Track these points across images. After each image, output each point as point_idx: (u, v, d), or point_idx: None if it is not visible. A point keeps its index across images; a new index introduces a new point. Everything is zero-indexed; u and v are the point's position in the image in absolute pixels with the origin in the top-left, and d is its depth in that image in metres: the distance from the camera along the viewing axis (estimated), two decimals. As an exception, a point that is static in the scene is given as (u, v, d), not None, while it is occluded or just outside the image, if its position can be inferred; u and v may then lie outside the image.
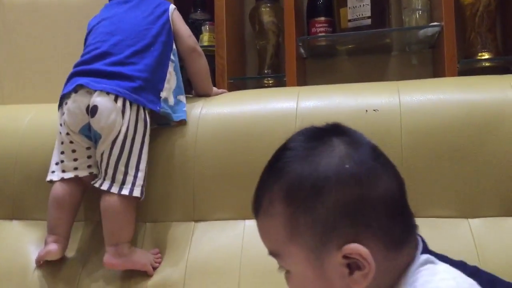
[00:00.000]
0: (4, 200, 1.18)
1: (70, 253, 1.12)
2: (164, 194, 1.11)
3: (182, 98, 1.18)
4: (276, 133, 1.09)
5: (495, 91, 1.04)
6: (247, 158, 1.08)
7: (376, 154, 0.57)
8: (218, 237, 1.06)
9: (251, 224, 1.04)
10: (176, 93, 1.16)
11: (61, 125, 1.09)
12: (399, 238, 0.54)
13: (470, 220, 0.98)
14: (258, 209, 0.58)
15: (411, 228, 0.56)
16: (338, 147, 0.55)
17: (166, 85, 1.13)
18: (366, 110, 1.05)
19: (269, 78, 1.55)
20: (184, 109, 1.16)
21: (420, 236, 0.58)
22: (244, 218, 1.06)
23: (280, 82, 1.51)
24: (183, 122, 1.15)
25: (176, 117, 1.14)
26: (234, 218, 1.07)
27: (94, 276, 1.08)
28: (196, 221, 1.09)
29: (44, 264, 1.10)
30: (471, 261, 0.92)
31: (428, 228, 0.98)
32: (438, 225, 0.99)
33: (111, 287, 1.06)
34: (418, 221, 0.98)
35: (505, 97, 1.02)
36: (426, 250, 0.56)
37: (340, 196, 0.52)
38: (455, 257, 0.93)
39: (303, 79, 1.54)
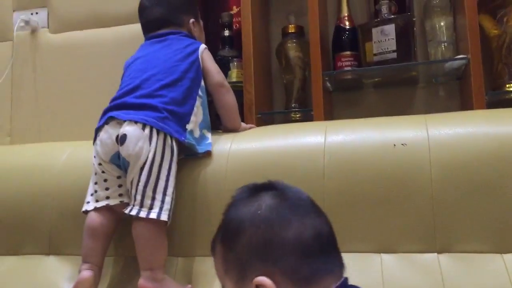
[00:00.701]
0: (41, 236, 1.21)
1: (103, 285, 1.14)
2: (191, 228, 1.13)
3: (207, 132, 1.22)
4: (305, 168, 1.10)
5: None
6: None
7: (296, 204, 0.66)
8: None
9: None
10: (201, 127, 1.20)
11: (94, 156, 1.14)
12: (307, 277, 0.60)
13: (504, 255, 0.97)
14: (211, 250, 0.71)
15: (324, 269, 0.62)
16: (263, 198, 0.65)
17: (192, 118, 1.17)
18: (394, 145, 1.06)
19: (296, 112, 1.57)
20: (209, 141, 1.20)
21: (345, 278, 0.65)
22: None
23: (307, 116, 1.53)
24: (209, 154, 1.18)
25: (201, 149, 1.17)
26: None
27: None
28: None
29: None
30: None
31: (461, 264, 0.98)
32: (471, 260, 0.98)
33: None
34: (450, 256, 1.00)
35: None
36: None
37: (253, 238, 0.63)
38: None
39: (330, 112, 1.56)
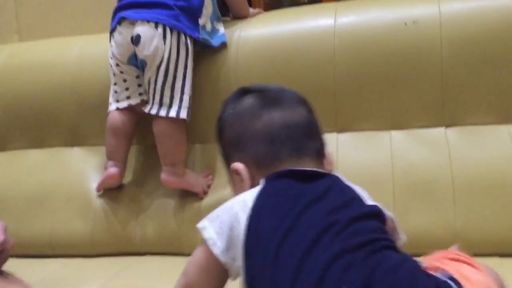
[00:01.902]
0: (63, 129, 1.26)
1: (128, 178, 1.21)
2: (210, 116, 1.16)
3: (218, 24, 1.21)
4: (316, 51, 1.11)
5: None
6: (287, 78, 1.12)
7: (270, 102, 0.70)
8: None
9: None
10: (212, 19, 1.19)
11: (111, 58, 1.15)
12: (269, 161, 0.67)
13: (510, 126, 1.01)
14: None
15: (286, 155, 0.67)
16: (243, 100, 0.72)
17: (204, 11, 1.15)
18: (405, 23, 1.06)
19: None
20: (222, 33, 1.19)
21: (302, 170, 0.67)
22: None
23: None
24: (224, 45, 1.18)
25: (215, 42, 1.17)
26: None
27: (153, 196, 1.18)
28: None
29: (104, 195, 1.19)
30: (509, 166, 0.97)
31: (468, 136, 1.03)
32: (477, 132, 1.02)
33: (168, 205, 1.15)
34: (457, 129, 1.04)
35: (549, 0, 1.00)
36: (286, 174, 0.66)
37: (230, 134, 0.72)
38: (495, 162, 0.98)
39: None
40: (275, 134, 0.68)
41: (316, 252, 0.55)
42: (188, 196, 1.15)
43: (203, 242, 0.60)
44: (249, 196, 0.62)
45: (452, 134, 1.03)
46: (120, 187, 1.20)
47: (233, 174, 0.68)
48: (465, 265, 0.60)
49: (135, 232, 1.15)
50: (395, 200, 1.01)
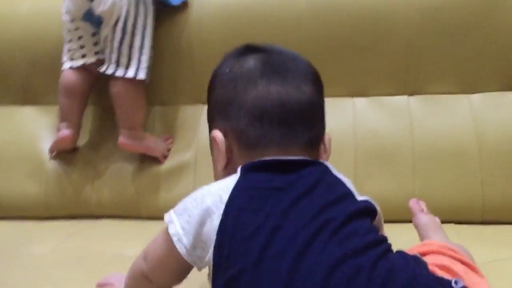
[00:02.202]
0: (13, 86, 1.20)
1: (83, 140, 1.17)
2: (171, 77, 1.14)
3: None
4: (282, 13, 1.08)
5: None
6: (251, 40, 1.09)
7: (274, 70, 0.61)
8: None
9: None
10: None
11: (64, 13, 1.09)
12: (253, 141, 0.59)
13: (470, 95, 1.03)
14: None
15: (272, 139, 0.59)
16: (246, 59, 0.62)
17: None
18: (373, -12, 1.04)
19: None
20: None
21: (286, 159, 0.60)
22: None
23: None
24: (185, 5, 1.14)
25: (175, 1, 1.13)
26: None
27: (110, 159, 1.14)
28: (204, 103, 1.13)
29: (58, 157, 1.15)
30: (468, 135, 0.99)
31: (430, 105, 1.04)
32: (439, 101, 1.04)
33: (126, 170, 1.12)
34: (420, 98, 1.04)
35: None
36: (275, 163, 0.58)
37: (219, 95, 0.63)
38: (455, 131, 1.00)
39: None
40: (267, 111, 0.59)
41: (311, 256, 0.49)
42: (146, 160, 1.12)
43: (167, 233, 0.55)
44: (225, 189, 0.55)
45: (414, 102, 1.04)
46: (74, 150, 1.16)
47: (212, 141, 0.62)
48: (471, 272, 0.57)
49: (91, 196, 1.12)
50: (356, 167, 1.01)
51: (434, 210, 0.96)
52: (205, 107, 1.12)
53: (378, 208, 0.58)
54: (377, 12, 1.03)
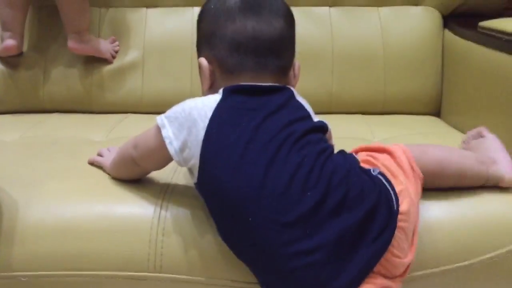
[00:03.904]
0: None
1: (29, 44, 1.20)
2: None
3: None
4: None
5: None
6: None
7: (251, 9, 0.71)
8: (171, 22, 1.21)
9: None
10: None
11: None
12: (231, 67, 0.71)
13: (380, 8, 1.22)
14: None
15: (247, 66, 0.71)
16: None
17: None
18: None
19: None
20: None
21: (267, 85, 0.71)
22: (193, 6, 1.21)
23: None
24: None
25: None
26: (185, 5, 1.21)
27: (58, 62, 1.20)
28: (148, 7, 1.23)
29: (4, 60, 1.18)
30: (376, 42, 1.19)
31: (347, 15, 1.21)
32: (355, 12, 1.22)
33: (75, 70, 1.20)
34: (341, 9, 1.21)
35: None
36: (251, 88, 0.70)
37: (205, 27, 0.75)
38: (367, 38, 1.18)
39: None
40: (242, 43, 0.70)
41: (278, 163, 0.63)
42: (95, 61, 1.20)
43: (159, 131, 0.67)
44: (209, 106, 0.67)
45: (334, 13, 1.22)
46: (20, 54, 1.20)
47: (200, 66, 0.73)
48: (391, 161, 0.71)
49: (43, 94, 1.19)
50: (286, 67, 1.18)
51: (345, 104, 1.19)
52: (149, 11, 1.24)
53: (329, 126, 0.72)
54: None
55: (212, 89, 0.72)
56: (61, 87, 1.19)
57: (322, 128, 0.71)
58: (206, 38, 0.73)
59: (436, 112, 1.20)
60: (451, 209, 0.73)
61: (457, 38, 1.15)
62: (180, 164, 0.68)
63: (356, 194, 0.63)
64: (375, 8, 1.21)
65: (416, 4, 1.22)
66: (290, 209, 0.61)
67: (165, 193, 0.75)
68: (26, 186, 0.76)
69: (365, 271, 0.61)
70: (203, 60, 0.72)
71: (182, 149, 0.66)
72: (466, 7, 1.21)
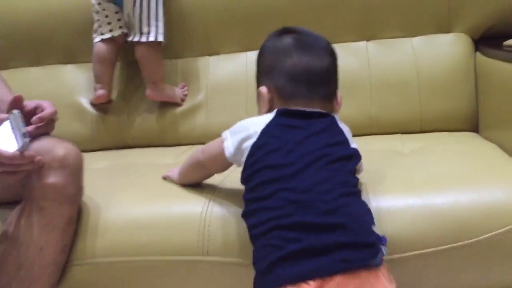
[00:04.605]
0: (57, 49, 1.49)
1: (115, 95, 1.46)
2: (181, 35, 1.44)
3: None
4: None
5: None
6: (245, 4, 1.39)
7: (304, 46, 0.88)
8: (229, 66, 1.42)
9: (252, 55, 1.38)
10: None
11: None
12: (288, 94, 0.86)
13: (412, 38, 1.35)
14: None
15: (302, 93, 0.85)
16: (283, 38, 0.90)
17: None
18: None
19: None
20: None
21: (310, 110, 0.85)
22: (246, 51, 1.41)
23: None
24: None
25: None
26: (241, 51, 1.43)
27: (139, 110, 1.44)
28: (210, 55, 1.45)
29: (96, 107, 1.44)
30: (410, 68, 1.30)
31: (383, 47, 1.35)
32: (390, 43, 1.36)
33: (153, 114, 1.43)
34: (376, 43, 1.35)
35: None
36: (299, 112, 0.84)
37: (264, 62, 0.91)
38: (401, 66, 1.30)
39: None
40: (298, 75, 0.85)
41: (308, 172, 0.76)
42: (168, 105, 1.43)
43: (222, 141, 0.86)
44: (262, 123, 0.83)
45: (371, 46, 1.36)
46: (109, 101, 1.45)
47: (259, 94, 0.88)
48: None
49: (127, 133, 1.43)
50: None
51: (384, 126, 1.30)
52: (211, 58, 1.45)
53: (361, 155, 0.84)
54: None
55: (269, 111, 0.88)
56: (141, 128, 1.43)
57: (355, 156, 0.84)
58: (267, 71, 0.90)
59: (474, 129, 1.28)
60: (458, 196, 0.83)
61: (487, 58, 1.24)
62: (235, 163, 0.86)
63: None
64: (408, 38, 1.34)
65: (447, 32, 1.33)
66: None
67: (212, 194, 0.93)
68: (107, 194, 0.97)
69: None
70: (264, 89, 0.88)
71: (235, 153, 0.84)
72: (494, 30, 1.31)
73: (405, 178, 0.91)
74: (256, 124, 0.84)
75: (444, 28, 1.33)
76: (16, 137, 0.81)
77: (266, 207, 0.76)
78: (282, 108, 0.85)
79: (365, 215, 0.76)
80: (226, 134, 0.87)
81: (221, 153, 0.86)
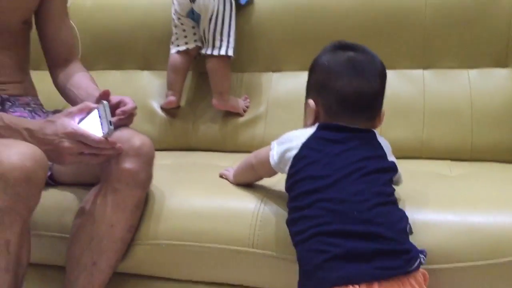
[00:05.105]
0: (137, 56, 1.65)
1: (184, 102, 1.59)
2: (249, 52, 1.56)
3: None
4: (331, 6, 1.47)
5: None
6: (310, 27, 1.49)
7: (358, 67, 0.90)
8: (290, 83, 1.52)
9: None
10: None
11: (173, 14, 1.52)
12: (333, 113, 0.91)
13: (469, 70, 1.39)
14: None
15: (347, 114, 0.90)
16: (339, 54, 0.93)
17: None
18: (400, -11, 1.42)
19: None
20: None
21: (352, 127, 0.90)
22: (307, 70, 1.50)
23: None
24: (251, 1, 1.55)
25: (242, 1, 1.53)
26: (302, 69, 1.48)
27: (204, 117, 1.56)
28: (274, 71, 1.56)
29: (166, 111, 1.58)
30: (464, 99, 1.35)
31: (439, 77, 1.41)
32: (446, 73, 1.41)
33: (216, 122, 1.54)
34: (433, 72, 1.41)
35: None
36: (339, 127, 0.90)
37: (316, 78, 0.94)
38: (455, 96, 1.35)
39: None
40: (347, 96, 0.89)
41: (344, 183, 0.82)
42: (230, 116, 1.54)
43: (269, 149, 0.94)
44: (304, 136, 0.89)
45: (427, 74, 1.42)
46: (178, 107, 1.58)
47: (307, 105, 0.94)
48: None
49: (191, 137, 1.55)
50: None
51: (435, 151, 1.35)
52: (274, 74, 1.55)
53: (398, 168, 0.91)
54: (401, 6, 1.42)
55: (314, 124, 0.95)
56: (204, 133, 1.55)
57: (392, 169, 0.90)
58: (317, 86, 0.94)
59: (524, 162, 1.31)
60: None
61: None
62: (279, 171, 0.95)
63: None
64: (465, 70, 1.39)
65: (504, 67, 1.37)
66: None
67: (264, 195, 1.02)
68: (171, 185, 1.09)
69: None
70: (311, 102, 0.93)
71: (279, 162, 0.93)
72: (550, 67, 1.34)
73: (446, 196, 0.97)
74: (299, 136, 0.90)
75: (501, 62, 1.37)
76: (102, 125, 0.94)
77: (306, 216, 0.83)
78: (324, 122, 0.91)
79: (401, 221, 0.82)
80: (273, 143, 0.95)
81: (268, 160, 0.94)
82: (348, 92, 0.89)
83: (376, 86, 0.91)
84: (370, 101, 0.91)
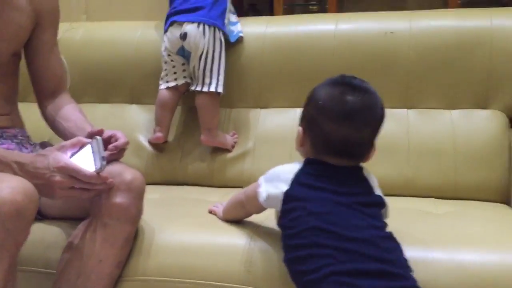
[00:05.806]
0: (125, 90, 1.66)
1: (172, 137, 1.60)
2: (237, 89, 1.58)
3: (233, 17, 1.60)
4: (319, 47, 1.52)
5: (481, 20, 1.45)
6: (297, 65, 1.53)
7: (350, 111, 0.89)
8: (277, 120, 1.55)
9: (299, 112, 1.49)
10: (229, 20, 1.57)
11: (163, 50, 1.54)
12: (319, 150, 0.92)
13: (451, 110, 1.44)
14: None
15: (332, 155, 0.91)
16: (339, 94, 0.91)
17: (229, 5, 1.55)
18: (385, 32, 1.47)
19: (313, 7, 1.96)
20: (238, 29, 1.58)
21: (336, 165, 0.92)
22: (295, 107, 1.53)
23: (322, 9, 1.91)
24: (240, 39, 1.58)
25: (233, 37, 1.57)
26: (290, 106, 1.55)
27: (193, 153, 1.56)
28: (262, 108, 1.59)
29: (153, 145, 1.58)
30: (447, 138, 1.39)
31: (422, 116, 1.45)
32: (429, 113, 1.45)
33: (205, 159, 1.55)
34: (417, 111, 1.45)
35: (489, 24, 1.43)
36: (325, 163, 0.92)
37: (310, 111, 0.94)
38: (438, 135, 1.39)
39: (341, 5, 1.93)
40: (333, 142, 0.90)
41: (346, 218, 0.84)
42: (218, 152, 1.55)
43: (257, 186, 0.95)
44: (292, 172, 0.91)
45: (411, 114, 1.46)
46: (165, 142, 1.58)
47: (298, 129, 0.95)
48: None
49: (178, 172, 1.55)
50: (368, 156, 1.43)
51: (419, 189, 1.37)
52: (262, 111, 1.57)
53: (387, 202, 0.92)
54: (386, 49, 1.47)
55: (302, 148, 0.96)
56: (192, 169, 1.55)
57: (380, 203, 0.92)
58: (308, 119, 0.94)
59: (506, 201, 1.34)
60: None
61: (521, 135, 1.33)
62: (268, 206, 0.95)
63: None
64: (448, 110, 1.44)
65: (485, 108, 1.42)
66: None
67: (255, 231, 1.02)
68: (160, 220, 1.09)
69: None
70: (300, 130, 0.95)
71: (267, 199, 0.94)
72: (529, 110, 1.39)
73: (434, 233, 0.98)
74: (286, 172, 0.92)
75: (481, 104, 1.43)
76: (95, 160, 0.94)
77: (315, 255, 0.83)
78: (311, 158, 0.93)
79: (402, 255, 0.85)
80: (261, 180, 0.96)
81: (256, 199, 0.95)
82: (334, 138, 0.90)
83: (366, 135, 0.91)
84: (356, 149, 0.92)
